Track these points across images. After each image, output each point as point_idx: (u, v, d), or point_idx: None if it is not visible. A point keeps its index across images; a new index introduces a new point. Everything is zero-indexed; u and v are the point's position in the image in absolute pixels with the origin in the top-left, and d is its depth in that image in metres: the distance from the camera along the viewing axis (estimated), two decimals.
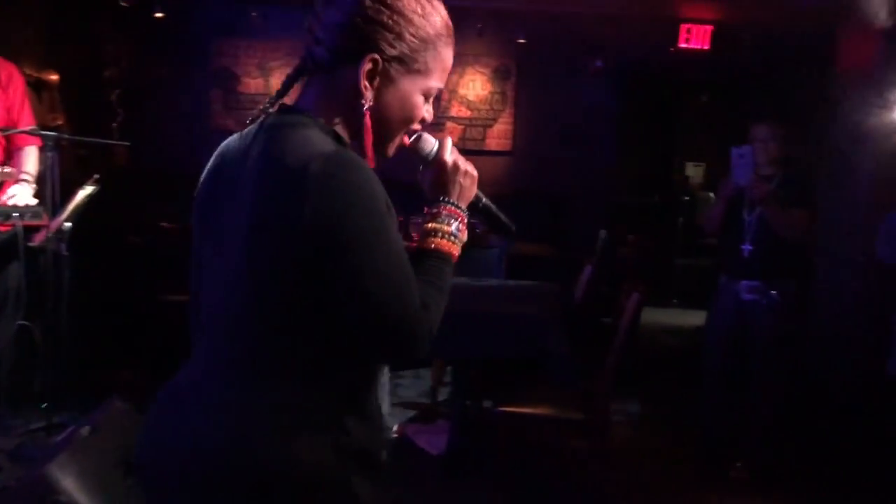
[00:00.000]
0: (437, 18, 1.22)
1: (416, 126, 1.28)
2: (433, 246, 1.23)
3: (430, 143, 1.32)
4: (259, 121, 1.20)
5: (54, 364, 3.37)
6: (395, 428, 3.98)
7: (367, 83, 1.18)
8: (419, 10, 1.19)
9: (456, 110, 6.71)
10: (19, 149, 3.40)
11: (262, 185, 1.11)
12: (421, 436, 3.90)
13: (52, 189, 3.28)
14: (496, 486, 3.14)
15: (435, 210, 1.27)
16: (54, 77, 5.31)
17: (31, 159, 3.42)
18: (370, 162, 1.19)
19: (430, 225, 1.26)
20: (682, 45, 5.93)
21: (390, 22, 1.17)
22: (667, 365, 6.06)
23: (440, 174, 1.29)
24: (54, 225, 3.30)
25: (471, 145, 6.65)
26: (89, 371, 4.09)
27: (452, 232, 1.25)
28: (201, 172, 1.26)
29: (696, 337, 6.56)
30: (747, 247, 3.54)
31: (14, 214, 3.11)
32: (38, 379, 3.38)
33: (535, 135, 6.65)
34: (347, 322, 1.11)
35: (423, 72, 1.22)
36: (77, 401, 3.54)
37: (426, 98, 1.25)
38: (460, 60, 6.54)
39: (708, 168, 8.94)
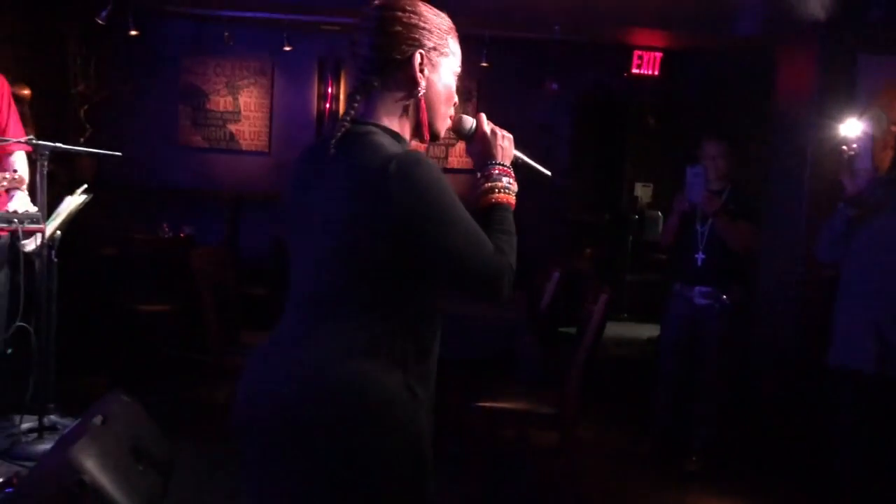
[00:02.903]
0: (445, 16, 1.53)
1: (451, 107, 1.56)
2: (494, 200, 1.51)
3: (469, 120, 1.61)
4: (337, 133, 1.44)
5: (46, 368, 3.45)
6: None
7: (420, 74, 1.47)
8: (433, 12, 1.51)
9: None
10: (9, 154, 3.41)
11: (350, 185, 1.37)
12: None
13: (41, 198, 3.31)
14: (470, 478, 3.33)
15: (486, 173, 1.54)
16: (26, 91, 5.36)
17: (22, 164, 3.43)
18: (427, 139, 1.51)
19: (486, 185, 1.53)
20: (635, 71, 6.28)
21: (420, 22, 1.47)
22: (621, 372, 6.35)
23: (483, 143, 1.58)
24: (48, 232, 3.36)
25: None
26: (67, 376, 4.15)
27: (506, 186, 1.54)
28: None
29: (646, 347, 6.88)
30: (700, 255, 3.86)
31: (14, 221, 3.14)
32: (32, 381, 3.43)
33: None
34: (440, 279, 1.40)
35: (451, 55, 1.53)
36: (59, 404, 3.61)
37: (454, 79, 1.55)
38: None
39: (656, 188, 9.29)
